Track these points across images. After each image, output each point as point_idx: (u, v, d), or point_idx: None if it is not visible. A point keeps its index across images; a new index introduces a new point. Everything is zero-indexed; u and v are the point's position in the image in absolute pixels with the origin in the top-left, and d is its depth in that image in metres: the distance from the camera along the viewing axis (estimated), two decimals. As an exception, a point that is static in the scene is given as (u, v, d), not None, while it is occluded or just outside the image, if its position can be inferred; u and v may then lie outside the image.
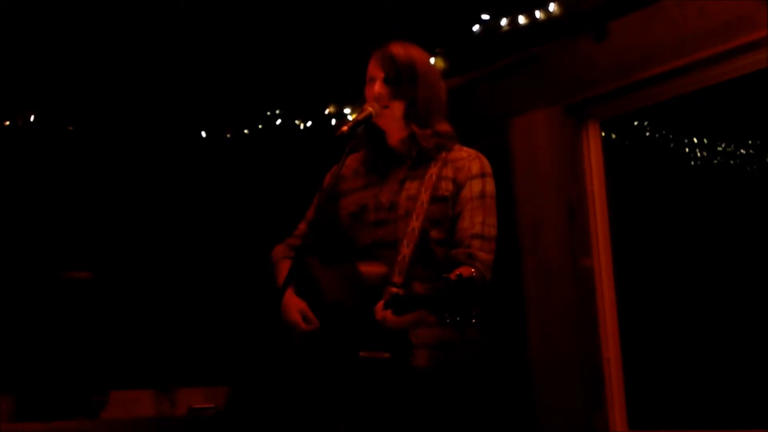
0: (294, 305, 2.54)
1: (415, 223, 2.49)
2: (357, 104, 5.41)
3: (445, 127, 2.61)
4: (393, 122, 2.60)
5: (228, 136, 5.71)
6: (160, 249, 5.54)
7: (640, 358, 4.55)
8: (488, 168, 2.60)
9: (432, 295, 2.13)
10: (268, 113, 5.67)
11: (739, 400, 4.92)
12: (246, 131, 5.71)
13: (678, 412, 4.89)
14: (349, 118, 5.39)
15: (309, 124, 5.62)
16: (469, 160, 2.59)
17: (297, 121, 5.65)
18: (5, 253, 5.08)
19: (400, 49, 2.60)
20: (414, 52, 2.62)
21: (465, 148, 2.63)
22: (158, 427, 4.57)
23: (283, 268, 2.69)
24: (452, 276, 2.08)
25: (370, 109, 2.55)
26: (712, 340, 5.37)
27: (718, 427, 3.94)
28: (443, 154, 2.59)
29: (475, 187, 2.55)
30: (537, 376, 4.37)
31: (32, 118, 5.34)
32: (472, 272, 2.10)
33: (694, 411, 4.85)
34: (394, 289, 2.29)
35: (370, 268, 2.44)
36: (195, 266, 5.52)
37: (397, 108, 2.58)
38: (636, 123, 5.66)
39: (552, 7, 4.35)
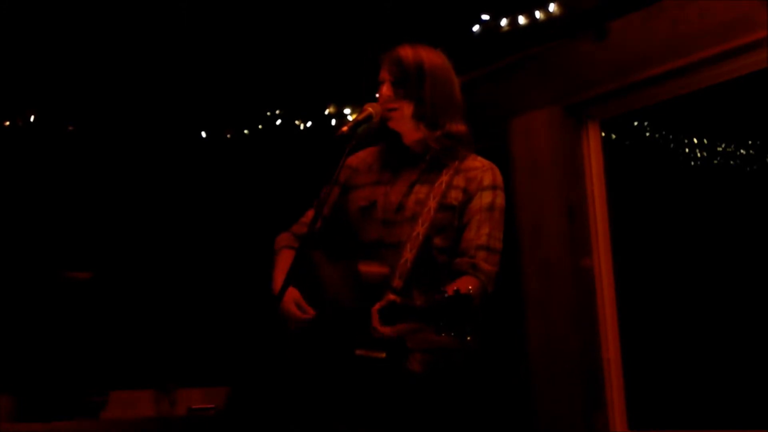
0: (288, 295, 2.53)
1: (420, 229, 2.50)
2: (357, 104, 5.42)
3: (459, 127, 2.60)
4: (405, 123, 2.61)
5: (228, 136, 5.71)
6: (160, 249, 5.53)
7: (640, 358, 4.54)
8: (500, 181, 2.60)
9: (427, 307, 2.13)
10: (268, 113, 5.67)
11: (739, 400, 4.92)
12: (246, 131, 5.71)
13: (678, 412, 4.89)
14: (349, 118, 5.39)
15: (309, 124, 5.62)
16: (482, 171, 2.59)
17: (297, 121, 5.65)
18: (5, 253, 5.08)
19: (408, 51, 2.61)
20: (423, 53, 2.62)
21: (479, 158, 2.63)
22: (158, 427, 4.57)
23: (284, 256, 2.69)
24: (449, 291, 2.08)
25: (370, 109, 2.56)
26: (711, 340, 5.37)
27: (718, 427, 3.94)
28: (456, 163, 2.59)
29: (485, 198, 2.55)
30: (537, 376, 4.37)
31: (32, 118, 5.34)
32: (470, 288, 2.09)
33: (694, 411, 4.85)
34: (392, 296, 2.30)
35: (371, 268, 2.44)
36: (195, 266, 5.52)
37: (407, 109, 2.58)
38: (636, 123, 5.66)
39: (552, 7, 4.35)
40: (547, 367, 4.33)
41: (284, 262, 2.64)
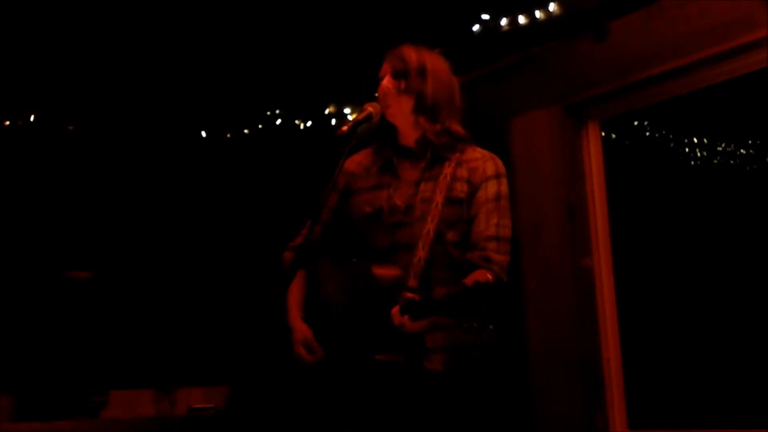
0: (299, 333, 2.52)
1: (430, 225, 2.49)
2: (357, 104, 5.41)
3: (456, 127, 2.61)
4: (403, 118, 2.60)
5: (228, 136, 5.71)
6: (160, 249, 5.53)
7: (640, 358, 4.55)
8: (502, 168, 2.62)
9: (448, 301, 2.13)
10: (268, 113, 5.67)
11: (739, 400, 4.92)
12: (246, 131, 5.71)
13: (678, 412, 4.89)
14: (349, 118, 5.39)
15: (309, 124, 5.62)
16: (483, 160, 2.60)
17: (297, 121, 5.65)
18: (5, 253, 5.08)
19: (411, 49, 2.64)
20: (427, 54, 2.64)
21: (479, 149, 2.64)
22: (158, 427, 4.57)
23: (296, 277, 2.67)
24: (469, 282, 2.09)
25: (370, 108, 2.56)
26: (712, 340, 5.37)
27: (718, 427, 3.94)
28: (457, 155, 2.59)
29: (491, 188, 2.57)
30: (537, 376, 4.37)
31: (32, 118, 5.34)
32: (489, 278, 2.11)
33: (694, 411, 4.85)
34: (410, 295, 2.30)
35: (384, 271, 2.43)
36: (195, 266, 5.52)
37: (406, 103, 2.59)
38: (636, 123, 5.66)
39: (552, 6, 4.35)
40: (547, 367, 4.33)
41: (297, 282, 2.61)
